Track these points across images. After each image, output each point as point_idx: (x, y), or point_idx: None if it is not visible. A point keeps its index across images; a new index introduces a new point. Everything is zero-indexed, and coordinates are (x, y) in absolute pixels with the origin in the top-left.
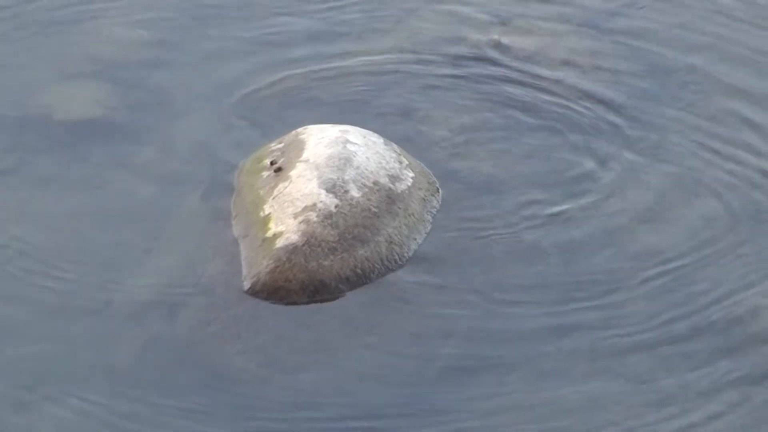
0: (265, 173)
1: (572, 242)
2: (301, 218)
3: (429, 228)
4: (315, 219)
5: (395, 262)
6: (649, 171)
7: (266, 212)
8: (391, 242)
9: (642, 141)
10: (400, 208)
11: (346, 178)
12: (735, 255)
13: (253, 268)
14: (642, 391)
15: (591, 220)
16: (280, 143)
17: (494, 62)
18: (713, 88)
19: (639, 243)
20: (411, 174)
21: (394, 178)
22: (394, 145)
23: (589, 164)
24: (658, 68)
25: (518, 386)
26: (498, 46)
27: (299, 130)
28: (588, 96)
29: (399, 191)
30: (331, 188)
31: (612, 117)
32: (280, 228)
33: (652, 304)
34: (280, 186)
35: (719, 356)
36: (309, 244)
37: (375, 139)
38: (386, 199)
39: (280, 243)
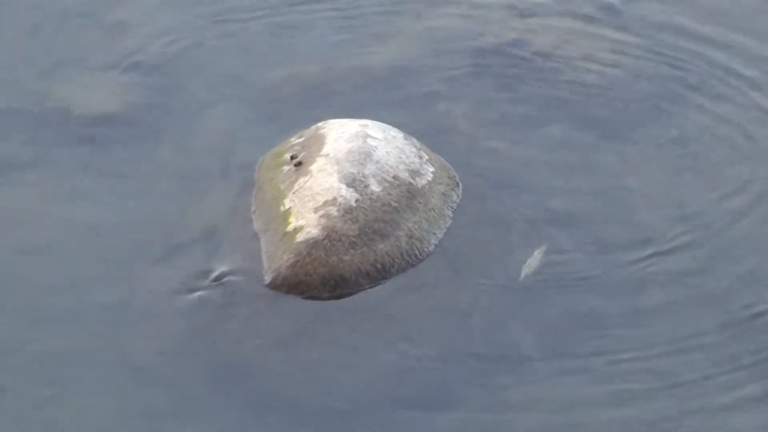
0: (286, 168)
1: (594, 236)
2: (321, 213)
3: (449, 223)
4: (335, 213)
5: (415, 256)
6: (669, 162)
7: (287, 207)
8: (412, 237)
9: (663, 135)
10: (420, 203)
11: (367, 172)
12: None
13: (273, 262)
14: (665, 387)
15: (612, 213)
16: (300, 138)
17: (515, 57)
18: (736, 81)
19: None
20: (431, 169)
21: (415, 173)
22: (414, 140)
23: (610, 157)
24: (680, 63)
25: (539, 381)
26: (518, 40)
27: (319, 124)
28: (609, 90)
29: (419, 186)
30: (352, 183)
31: (632, 112)
32: (301, 222)
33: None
34: (301, 180)
35: None
36: (329, 238)
37: (395, 134)
38: (406, 194)
39: (300, 237)
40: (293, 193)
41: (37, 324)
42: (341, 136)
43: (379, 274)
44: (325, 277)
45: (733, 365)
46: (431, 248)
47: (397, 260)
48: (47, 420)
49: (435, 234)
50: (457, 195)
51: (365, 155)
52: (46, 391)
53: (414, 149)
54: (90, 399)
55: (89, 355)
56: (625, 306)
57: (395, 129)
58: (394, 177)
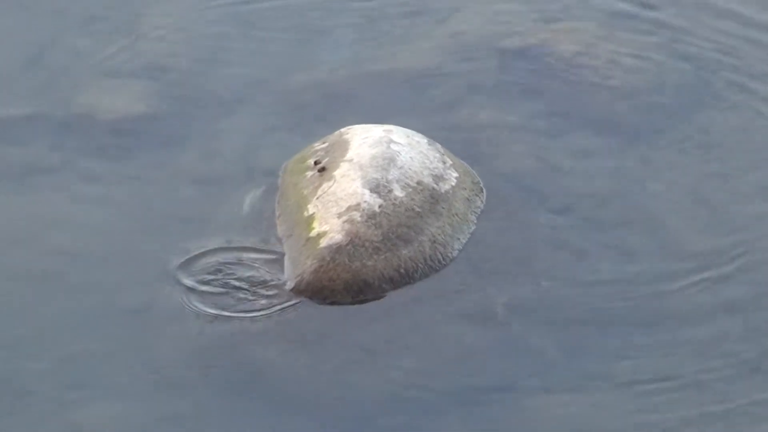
0: (309, 173)
1: (618, 241)
2: (345, 218)
3: (473, 228)
4: (359, 219)
5: (439, 261)
6: (693, 167)
7: (310, 212)
8: (435, 242)
9: (686, 141)
10: (443, 208)
11: (390, 177)
12: None
13: (297, 267)
14: (688, 394)
15: (636, 218)
16: (324, 143)
17: (539, 62)
18: (761, 85)
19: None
20: (455, 174)
21: (438, 178)
22: (438, 145)
23: (634, 163)
24: (704, 68)
25: (562, 387)
26: (543, 45)
27: (343, 129)
28: (633, 95)
29: (443, 191)
30: (375, 188)
31: (656, 117)
32: (324, 228)
33: (696, 303)
34: (324, 186)
35: None
36: (353, 243)
37: (419, 139)
38: (430, 199)
39: (324, 243)
40: (317, 198)
41: (61, 327)
42: (365, 141)
43: (402, 280)
44: (349, 283)
45: (756, 371)
46: (455, 253)
47: (420, 265)
48: (71, 423)
49: (459, 239)
50: (481, 200)
51: (389, 160)
52: (70, 394)
53: (438, 154)
54: (114, 402)
55: (113, 358)
56: (649, 311)
57: (419, 134)
58: (418, 182)
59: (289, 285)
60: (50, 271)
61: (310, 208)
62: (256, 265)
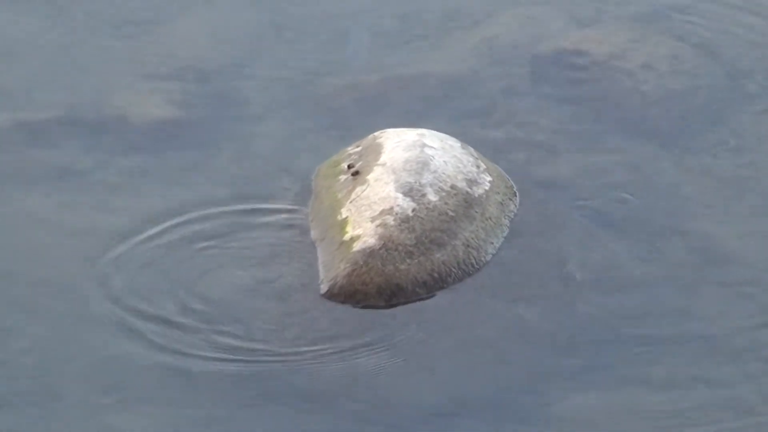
0: (343, 177)
1: (651, 245)
2: (378, 222)
3: (506, 232)
4: (392, 223)
5: (472, 266)
6: (726, 172)
7: (343, 216)
8: (468, 246)
9: (720, 145)
10: (477, 212)
11: (424, 181)
12: None
13: (330, 271)
14: (722, 398)
15: (669, 222)
16: (357, 147)
17: (572, 66)
18: None
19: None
20: (488, 178)
21: (472, 182)
22: (472, 149)
23: (667, 167)
24: (738, 72)
25: (597, 392)
26: (576, 49)
27: (377, 133)
28: (666, 99)
29: (476, 195)
30: (409, 192)
31: (690, 121)
32: (358, 231)
33: (730, 304)
34: (358, 189)
35: None
36: (386, 247)
37: (452, 143)
38: (463, 203)
39: (357, 246)
40: (350, 202)
41: (95, 331)
42: (398, 145)
43: (435, 284)
44: (382, 287)
45: None
46: (488, 257)
47: (453, 269)
48: (104, 427)
49: (492, 243)
50: (515, 204)
51: (422, 164)
52: (104, 398)
53: (471, 158)
54: (147, 406)
55: (147, 362)
56: (682, 316)
57: (452, 138)
58: (452, 186)
59: (323, 289)
60: (84, 274)
61: (344, 212)
62: (290, 269)
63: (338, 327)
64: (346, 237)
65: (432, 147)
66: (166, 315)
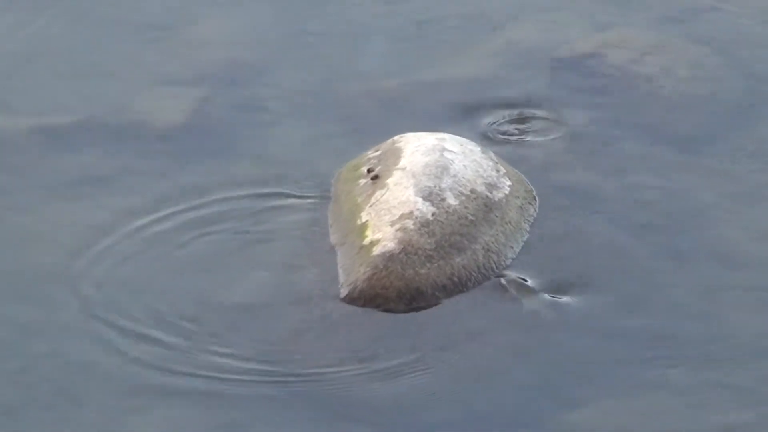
0: (362, 181)
1: (672, 250)
2: (397, 226)
3: (526, 236)
4: (412, 227)
5: (492, 270)
6: (746, 177)
7: (363, 220)
8: (488, 250)
9: (739, 150)
10: (497, 216)
11: (443, 186)
12: None
13: (349, 275)
14: (743, 402)
15: (689, 227)
16: (376, 151)
17: (592, 70)
18: None
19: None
20: (508, 182)
21: (491, 186)
22: (491, 153)
23: (687, 172)
24: (758, 77)
25: (618, 396)
26: (596, 54)
27: (396, 137)
28: (686, 104)
29: (496, 199)
30: (428, 196)
31: (710, 126)
32: (377, 236)
33: (751, 308)
34: (377, 194)
35: None
36: (406, 251)
37: (472, 147)
38: (483, 207)
39: (376, 251)
40: (370, 206)
41: (117, 334)
42: (418, 149)
43: (455, 288)
44: (402, 291)
45: None
46: (508, 262)
47: (473, 274)
48: (129, 430)
49: (512, 247)
50: (534, 208)
51: (442, 169)
52: (127, 402)
53: (491, 162)
54: (169, 410)
55: (168, 366)
56: (703, 319)
57: (472, 142)
58: (471, 190)
59: (342, 293)
60: (104, 278)
61: (363, 216)
62: (309, 273)
63: (358, 331)
64: (366, 241)
65: (452, 151)
66: (186, 318)
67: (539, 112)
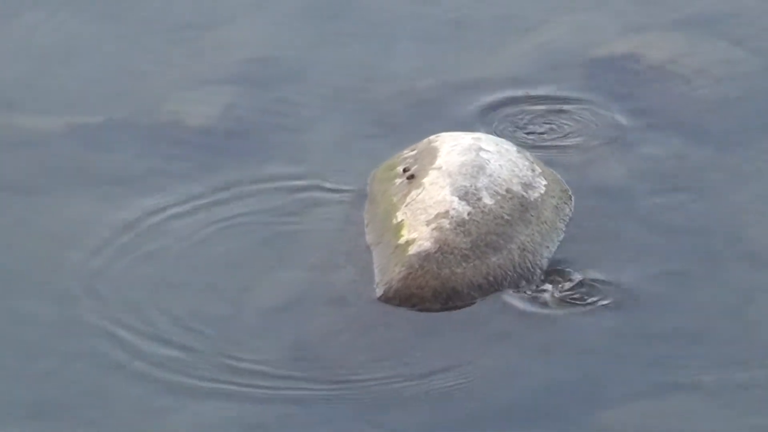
0: (398, 180)
1: (707, 254)
2: (433, 225)
3: (562, 236)
4: (448, 226)
5: (528, 269)
6: None
7: (399, 219)
8: (524, 250)
9: None
10: (532, 216)
11: (479, 185)
12: None
13: (385, 275)
14: None
15: (724, 228)
16: (412, 150)
17: (628, 71)
18: None
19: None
20: (544, 182)
21: (527, 186)
22: (527, 153)
23: (723, 173)
24: None
25: (649, 397)
26: (631, 54)
27: (432, 137)
28: (722, 104)
29: (532, 199)
30: (464, 195)
31: (745, 126)
32: (413, 235)
33: None
34: (413, 193)
35: None
36: (441, 251)
37: (508, 147)
38: (519, 207)
39: (412, 250)
40: (405, 205)
41: (147, 335)
42: (454, 149)
43: (491, 287)
44: (437, 290)
45: None
46: (544, 261)
47: (509, 273)
48: (161, 429)
49: (548, 247)
50: (570, 208)
51: (478, 168)
52: (158, 402)
53: (526, 162)
54: (200, 410)
55: (199, 367)
56: (735, 320)
57: (508, 142)
58: (507, 190)
59: (378, 292)
60: (136, 277)
61: (399, 216)
62: (345, 272)
63: (393, 331)
64: (402, 240)
65: (487, 151)
66: (220, 317)
67: (574, 112)
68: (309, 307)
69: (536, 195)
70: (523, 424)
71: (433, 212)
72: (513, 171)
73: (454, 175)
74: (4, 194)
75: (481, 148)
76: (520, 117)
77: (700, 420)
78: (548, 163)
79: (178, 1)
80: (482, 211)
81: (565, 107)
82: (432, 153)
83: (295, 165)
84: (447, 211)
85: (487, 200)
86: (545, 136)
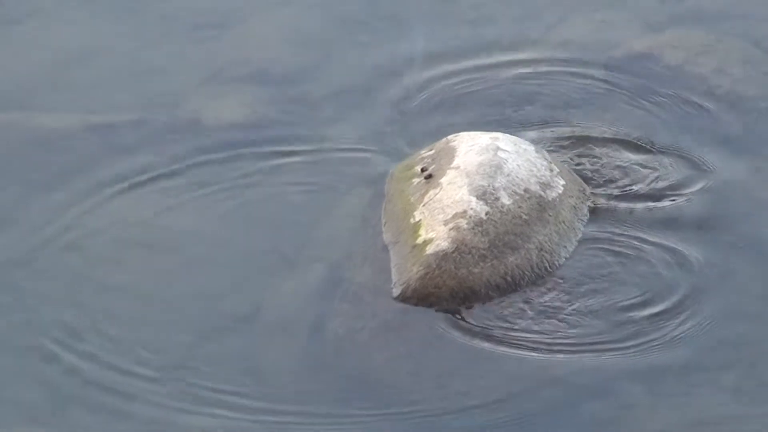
0: (416, 180)
1: (725, 254)
2: (451, 225)
3: (579, 236)
4: (465, 226)
5: (545, 269)
6: None
7: (416, 219)
8: (542, 250)
9: None
10: (550, 216)
11: (497, 185)
12: None
13: (402, 274)
14: None
15: (743, 227)
16: (430, 150)
17: (646, 70)
18: None
19: None
20: (561, 181)
21: (545, 186)
22: (545, 152)
23: (741, 171)
24: None
25: (669, 396)
26: (650, 53)
27: (450, 137)
28: (740, 104)
29: (550, 198)
30: (482, 195)
31: (764, 126)
32: (431, 235)
33: None
34: (431, 193)
35: None
36: (459, 251)
37: (526, 147)
38: (537, 207)
39: (430, 250)
40: (423, 205)
41: (168, 334)
42: (472, 148)
43: (509, 287)
44: (455, 290)
45: None
46: (561, 261)
47: (527, 273)
48: (182, 426)
49: (565, 247)
50: (588, 208)
51: (496, 168)
52: (175, 403)
53: (545, 162)
54: (220, 408)
55: (221, 365)
56: (754, 321)
57: (526, 142)
58: (525, 190)
59: (395, 291)
60: (157, 276)
61: (417, 215)
62: (362, 271)
63: (411, 330)
64: (419, 240)
65: (505, 150)
66: (239, 317)
67: (593, 111)
68: (326, 306)
69: (554, 195)
70: (541, 422)
71: (451, 212)
72: (531, 170)
73: (471, 174)
74: (25, 192)
75: (499, 148)
76: (538, 116)
77: (718, 419)
78: (566, 162)
79: (197, 0)
80: (500, 211)
81: (585, 106)
82: (450, 152)
83: (313, 164)
84: (465, 211)
85: (505, 200)
86: (563, 135)
